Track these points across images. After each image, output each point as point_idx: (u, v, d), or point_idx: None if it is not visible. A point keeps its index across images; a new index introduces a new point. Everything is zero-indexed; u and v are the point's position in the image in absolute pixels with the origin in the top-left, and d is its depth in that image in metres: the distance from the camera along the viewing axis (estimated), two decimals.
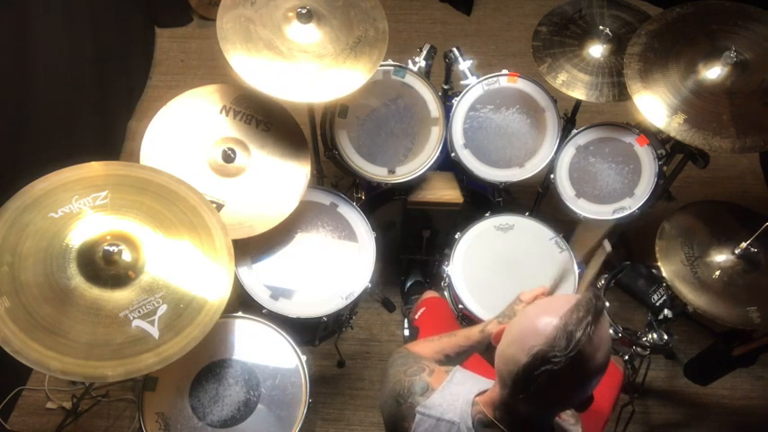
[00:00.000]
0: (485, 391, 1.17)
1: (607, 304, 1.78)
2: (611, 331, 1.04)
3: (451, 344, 1.41)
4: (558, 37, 2.09)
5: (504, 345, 1.07)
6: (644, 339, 1.88)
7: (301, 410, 1.64)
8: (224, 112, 1.84)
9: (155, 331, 1.39)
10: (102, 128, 2.82)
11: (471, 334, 1.41)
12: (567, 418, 1.27)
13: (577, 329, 0.97)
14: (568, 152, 2.13)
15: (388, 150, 2.10)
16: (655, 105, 1.79)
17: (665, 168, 2.08)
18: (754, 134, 1.71)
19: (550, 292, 1.41)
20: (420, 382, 1.22)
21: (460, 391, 1.18)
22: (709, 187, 2.91)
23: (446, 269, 2.03)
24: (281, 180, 1.82)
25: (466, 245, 2.05)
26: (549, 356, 0.97)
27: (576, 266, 1.97)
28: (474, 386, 1.19)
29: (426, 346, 1.41)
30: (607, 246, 1.40)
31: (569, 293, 1.09)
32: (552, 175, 2.14)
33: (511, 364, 1.03)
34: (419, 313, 2.08)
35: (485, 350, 1.40)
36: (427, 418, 1.17)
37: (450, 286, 2.01)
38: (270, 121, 1.87)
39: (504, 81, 2.10)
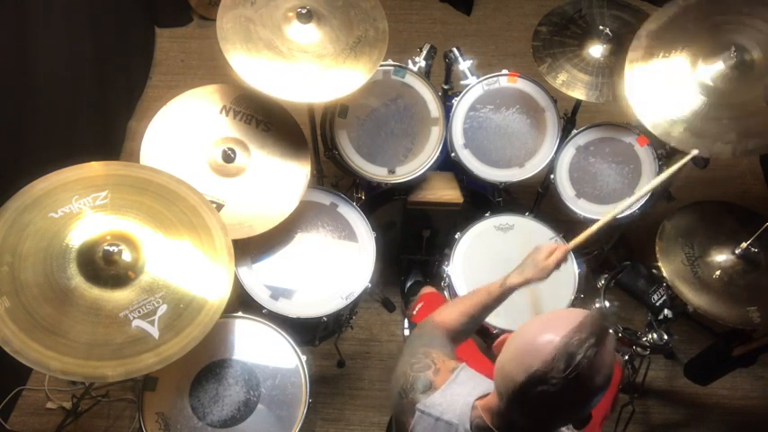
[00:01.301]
0: (486, 395, 1.17)
1: (607, 304, 1.79)
2: (610, 370, 1.02)
3: (474, 302, 1.38)
4: (558, 37, 2.09)
5: (503, 358, 1.06)
6: (644, 339, 1.88)
7: (301, 410, 1.64)
8: (224, 112, 1.84)
9: (155, 331, 1.39)
10: (102, 128, 2.82)
11: (492, 289, 1.38)
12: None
13: (578, 352, 0.95)
14: (568, 152, 2.13)
15: (388, 150, 2.10)
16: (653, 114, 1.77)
17: (665, 168, 2.08)
18: (755, 136, 1.70)
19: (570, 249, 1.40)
20: (424, 379, 1.22)
21: (461, 392, 1.18)
22: (709, 187, 2.90)
23: (446, 269, 2.03)
24: (281, 180, 1.82)
25: (466, 245, 2.05)
26: (545, 378, 0.96)
27: (573, 264, 1.98)
28: (476, 387, 1.19)
29: (450, 312, 1.37)
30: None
31: (576, 309, 1.07)
32: (552, 175, 2.14)
33: (508, 379, 1.02)
34: (417, 309, 2.07)
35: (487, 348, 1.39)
36: (426, 416, 1.17)
37: (450, 286, 2.01)
38: (270, 121, 1.87)
39: (504, 81, 2.10)
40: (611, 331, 1.00)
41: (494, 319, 1.89)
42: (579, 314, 1.01)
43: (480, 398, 1.16)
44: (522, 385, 0.98)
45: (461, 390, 1.19)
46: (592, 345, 0.96)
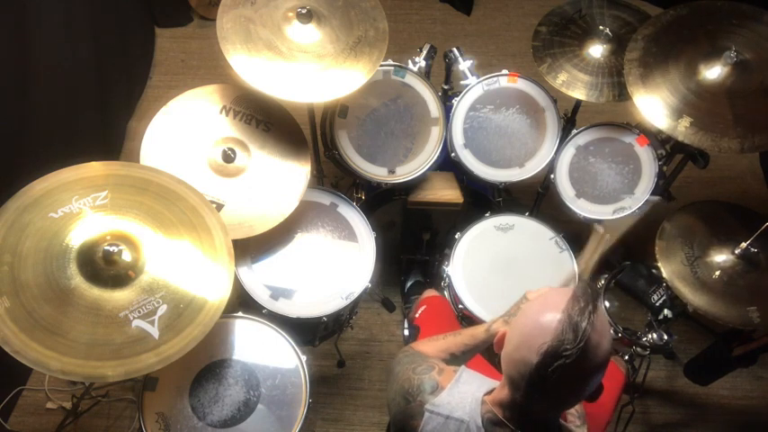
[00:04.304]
0: (492, 391, 1.17)
1: (607, 304, 1.79)
2: (611, 331, 1.05)
3: (456, 343, 1.40)
4: (558, 37, 2.09)
5: (510, 349, 1.07)
6: (644, 339, 1.88)
7: (301, 410, 1.64)
8: (224, 112, 1.84)
9: (155, 331, 1.39)
10: (102, 128, 2.82)
11: (477, 333, 1.40)
12: (573, 419, 1.27)
13: (582, 319, 0.98)
14: (568, 152, 2.13)
15: (388, 150, 2.10)
16: (659, 110, 1.78)
17: (665, 168, 2.08)
18: (761, 132, 1.71)
19: None
20: (429, 380, 1.22)
21: (469, 390, 1.18)
22: (709, 187, 2.91)
23: (446, 269, 2.03)
24: (281, 180, 1.82)
25: (466, 245, 2.05)
26: (559, 351, 0.97)
27: (574, 264, 1.98)
28: (482, 386, 1.19)
29: (431, 345, 1.40)
30: (599, 228, 1.39)
31: (563, 288, 1.10)
32: (552, 175, 2.14)
33: (521, 366, 1.02)
34: (419, 312, 2.07)
35: (486, 351, 1.40)
36: (436, 416, 1.17)
37: (450, 286, 2.01)
38: (270, 121, 1.87)
39: (504, 81, 2.10)
40: (600, 296, 1.03)
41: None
42: (569, 289, 1.05)
43: (487, 393, 1.17)
44: (538, 365, 0.99)
45: (468, 388, 1.19)
46: (591, 310, 0.99)
